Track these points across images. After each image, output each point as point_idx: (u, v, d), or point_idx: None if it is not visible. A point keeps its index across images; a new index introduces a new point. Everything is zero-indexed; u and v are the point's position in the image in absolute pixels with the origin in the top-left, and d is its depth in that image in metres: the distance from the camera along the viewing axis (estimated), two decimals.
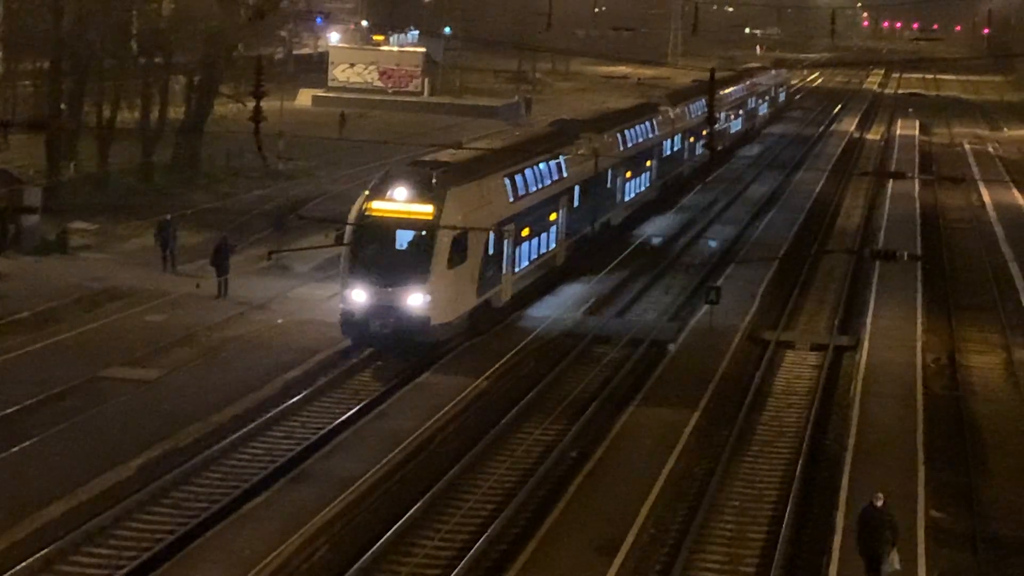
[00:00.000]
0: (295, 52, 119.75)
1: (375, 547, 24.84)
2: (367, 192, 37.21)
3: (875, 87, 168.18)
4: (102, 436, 29.23)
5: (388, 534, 25.43)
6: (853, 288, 49.76)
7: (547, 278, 45.82)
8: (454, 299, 36.67)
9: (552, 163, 45.77)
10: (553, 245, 46.10)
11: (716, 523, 27.39)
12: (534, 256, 43.85)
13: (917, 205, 67.80)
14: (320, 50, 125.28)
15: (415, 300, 35.73)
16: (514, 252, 41.24)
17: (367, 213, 36.61)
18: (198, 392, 32.59)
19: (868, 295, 46.46)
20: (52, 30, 57.33)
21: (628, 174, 57.14)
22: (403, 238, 36.62)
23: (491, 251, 38.68)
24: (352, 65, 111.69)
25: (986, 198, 72.93)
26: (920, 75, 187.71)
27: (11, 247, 46.57)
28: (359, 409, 32.68)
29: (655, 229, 59.72)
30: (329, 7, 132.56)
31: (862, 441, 30.85)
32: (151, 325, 38.65)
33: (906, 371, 37.21)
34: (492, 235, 38.49)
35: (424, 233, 36.17)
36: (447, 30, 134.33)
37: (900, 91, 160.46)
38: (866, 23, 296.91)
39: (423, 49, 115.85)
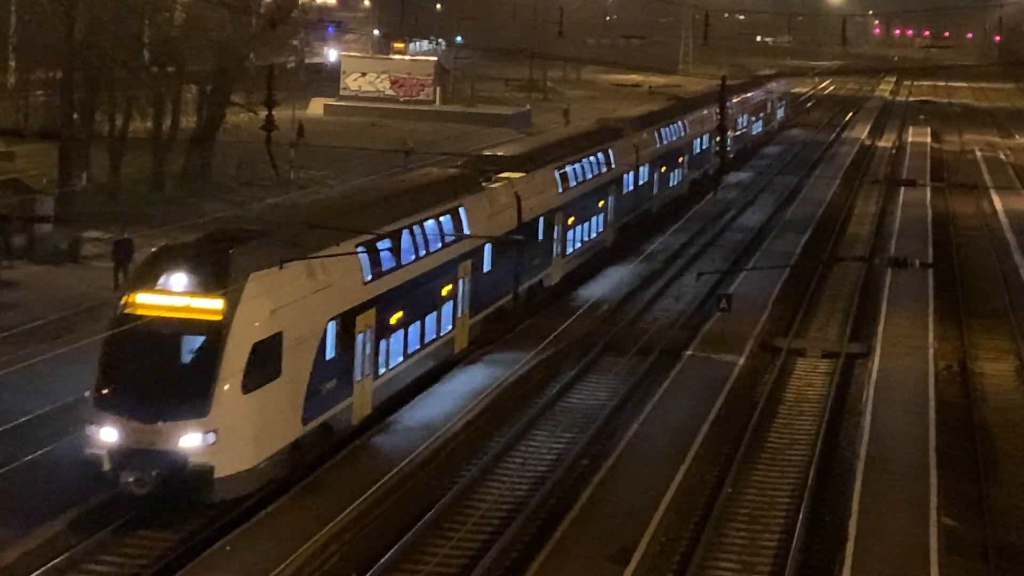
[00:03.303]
0: (307, 61, 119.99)
1: None
2: (134, 275, 27.51)
3: (887, 95, 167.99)
4: None
5: None
6: (865, 295, 49.69)
7: (438, 371, 35.26)
8: (257, 435, 25.95)
9: (444, 219, 35.39)
10: (449, 327, 35.62)
11: (728, 531, 27.38)
12: (415, 347, 33.25)
13: (929, 212, 67.69)
14: (328, 58, 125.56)
15: (189, 441, 25.03)
16: (377, 348, 30.82)
17: (126, 310, 25.98)
18: None
19: (880, 302, 46.39)
20: (64, 40, 57.50)
21: (571, 220, 46.79)
22: (176, 348, 25.93)
23: (331, 354, 28.47)
24: (364, 74, 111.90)
25: (998, 205, 72.81)
26: (931, 82, 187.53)
27: (23, 256, 46.69)
28: None
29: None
30: (340, 16, 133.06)
31: (874, 448, 30.80)
32: None
33: (918, 378, 37.16)
34: (333, 331, 28.55)
35: (207, 341, 25.63)
36: (458, 39, 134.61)
37: (911, 98, 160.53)
38: (877, 30, 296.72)
39: (435, 58, 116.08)
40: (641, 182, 58.08)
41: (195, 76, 68.79)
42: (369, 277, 30.41)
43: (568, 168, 46.63)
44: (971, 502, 29.55)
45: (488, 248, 37.92)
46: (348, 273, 29.48)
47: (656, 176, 61.40)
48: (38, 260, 46.93)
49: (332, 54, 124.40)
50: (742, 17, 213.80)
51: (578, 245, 47.97)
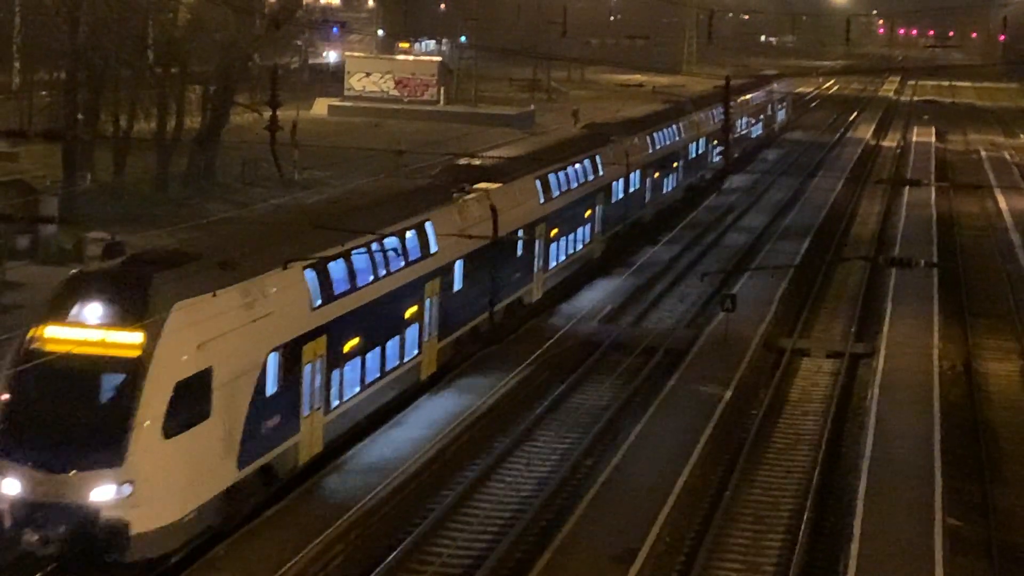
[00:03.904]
0: (311, 61, 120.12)
1: None
2: (44, 304, 24.08)
3: (891, 94, 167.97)
4: None
5: None
6: (869, 296, 49.66)
7: (404, 399, 32.58)
8: (182, 485, 22.91)
9: (408, 235, 32.63)
10: (414, 351, 32.79)
11: (732, 531, 27.37)
12: (374, 375, 30.46)
13: (934, 212, 67.67)
14: (331, 59, 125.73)
15: (101, 494, 21.93)
16: (328, 379, 27.98)
17: (33, 345, 22.97)
18: None
19: (884, 303, 46.36)
20: (68, 41, 57.54)
21: (554, 232, 44.15)
22: (89, 388, 22.75)
23: (273, 388, 25.50)
24: (368, 74, 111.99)
25: (1002, 205, 72.76)
26: (936, 82, 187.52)
27: (27, 257, 46.72)
28: None
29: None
30: (344, 16, 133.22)
31: (878, 449, 30.77)
32: None
33: (922, 379, 37.12)
34: (276, 363, 25.58)
35: (124, 379, 22.53)
36: (462, 39, 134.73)
37: (916, 98, 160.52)
38: (881, 30, 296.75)
39: (439, 58, 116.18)
40: (632, 189, 55.40)
41: (199, 76, 68.86)
42: (319, 302, 27.51)
43: (551, 176, 44.05)
44: (976, 502, 29.54)
45: (459, 265, 35.30)
46: (293, 299, 26.64)
47: (649, 182, 58.93)
48: (42, 261, 46.93)
49: (332, 55, 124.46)
50: (746, 17, 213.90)
51: (562, 258, 45.36)
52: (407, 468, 28.38)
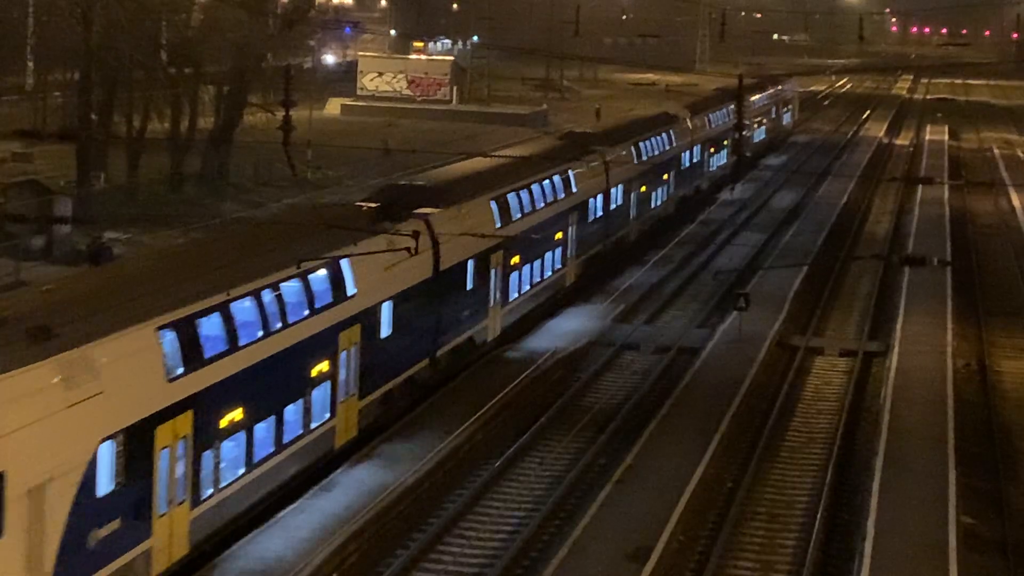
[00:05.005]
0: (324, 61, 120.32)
1: None
2: None
3: (904, 93, 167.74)
4: None
5: None
6: (882, 294, 49.62)
7: (312, 475, 27.20)
8: None
9: (316, 278, 27.38)
10: (325, 415, 27.54)
11: (746, 529, 27.38)
12: (265, 452, 25.09)
13: (947, 210, 67.58)
14: (348, 59, 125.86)
15: None
16: (196, 465, 22.74)
17: None
18: None
19: (898, 301, 46.33)
20: (82, 41, 57.67)
21: (515, 259, 38.95)
22: None
23: (108, 487, 20.38)
24: (381, 74, 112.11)
25: (1016, 203, 72.65)
26: (949, 80, 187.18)
27: (41, 257, 46.83)
28: None
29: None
30: (357, 16, 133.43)
31: (892, 447, 30.76)
32: None
33: (936, 376, 37.08)
34: (110, 455, 20.44)
35: None
36: (475, 38, 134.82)
37: (929, 96, 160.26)
38: (894, 28, 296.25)
39: (451, 58, 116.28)
40: (614, 205, 50.27)
41: (212, 77, 68.98)
42: (180, 370, 22.22)
43: (511, 196, 39.03)
44: (990, 500, 29.50)
45: (387, 307, 30.23)
46: (139, 369, 21.26)
47: (634, 197, 53.56)
48: (56, 261, 47.04)
49: (329, 59, 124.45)
50: (759, 15, 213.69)
51: (526, 288, 40.18)
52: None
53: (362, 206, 32.67)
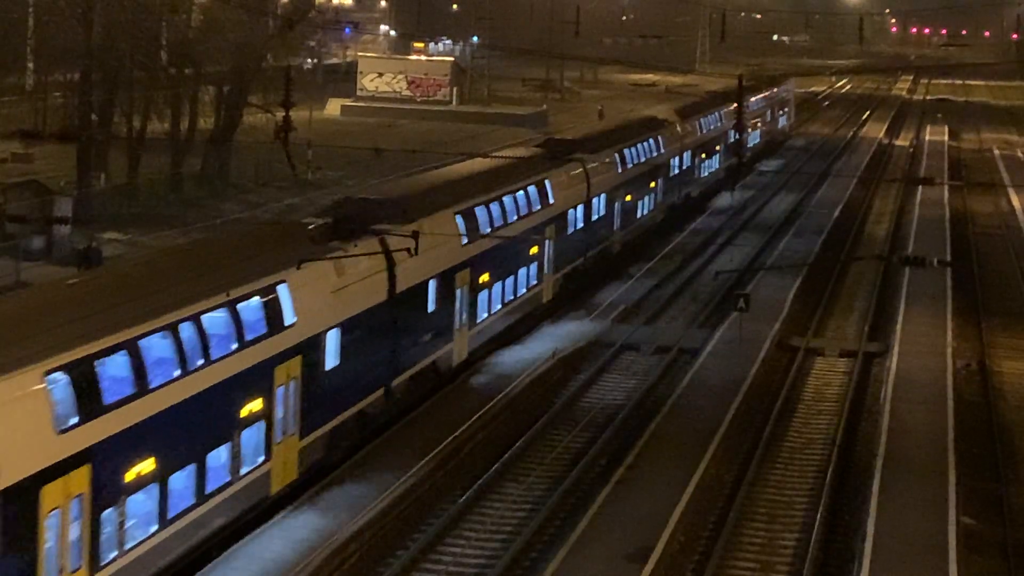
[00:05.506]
0: (324, 62, 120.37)
1: None
2: None
3: (904, 93, 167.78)
4: None
5: None
6: (882, 294, 49.63)
7: (245, 527, 24.55)
8: None
9: (246, 306, 24.69)
10: (259, 459, 24.86)
11: (747, 530, 27.39)
12: (184, 505, 22.48)
13: (947, 211, 67.58)
14: (349, 59, 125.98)
15: None
16: (96, 526, 20.01)
17: None
18: None
19: (898, 301, 46.33)
20: (82, 42, 57.68)
21: (483, 278, 36.44)
22: None
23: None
24: (381, 75, 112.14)
25: (1016, 203, 72.67)
26: (949, 81, 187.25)
27: (42, 258, 46.83)
28: None
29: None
30: (357, 17, 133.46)
31: (893, 447, 30.76)
32: None
33: (936, 377, 37.09)
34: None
35: None
36: (475, 39, 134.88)
37: (929, 97, 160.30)
38: (895, 29, 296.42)
39: (451, 58, 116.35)
40: (596, 216, 47.79)
41: (212, 77, 69.00)
42: (73, 420, 19.51)
43: (478, 210, 36.45)
44: (990, 501, 29.49)
45: (333, 336, 27.48)
46: (20, 420, 18.63)
47: (618, 207, 50.93)
48: (56, 261, 47.03)
49: (308, 62, 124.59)
50: (759, 16, 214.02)
51: (497, 307, 37.71)
52: None
53: (311, 223, 29.67)
